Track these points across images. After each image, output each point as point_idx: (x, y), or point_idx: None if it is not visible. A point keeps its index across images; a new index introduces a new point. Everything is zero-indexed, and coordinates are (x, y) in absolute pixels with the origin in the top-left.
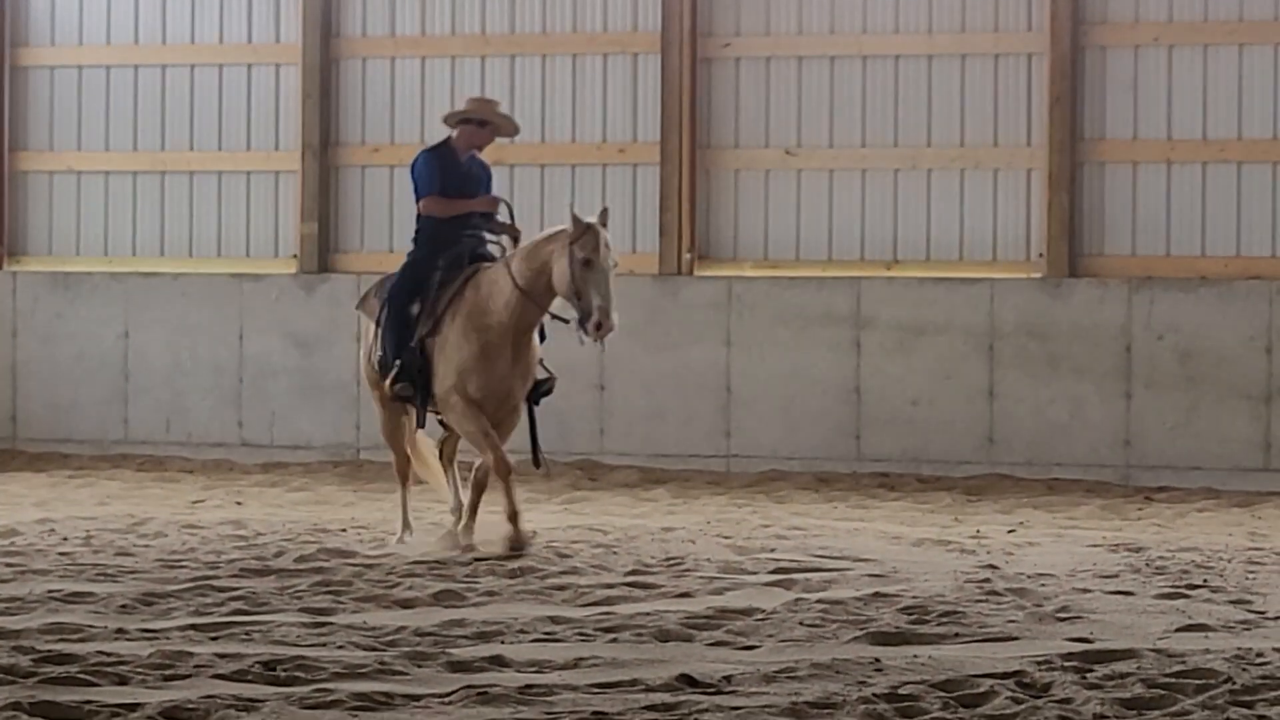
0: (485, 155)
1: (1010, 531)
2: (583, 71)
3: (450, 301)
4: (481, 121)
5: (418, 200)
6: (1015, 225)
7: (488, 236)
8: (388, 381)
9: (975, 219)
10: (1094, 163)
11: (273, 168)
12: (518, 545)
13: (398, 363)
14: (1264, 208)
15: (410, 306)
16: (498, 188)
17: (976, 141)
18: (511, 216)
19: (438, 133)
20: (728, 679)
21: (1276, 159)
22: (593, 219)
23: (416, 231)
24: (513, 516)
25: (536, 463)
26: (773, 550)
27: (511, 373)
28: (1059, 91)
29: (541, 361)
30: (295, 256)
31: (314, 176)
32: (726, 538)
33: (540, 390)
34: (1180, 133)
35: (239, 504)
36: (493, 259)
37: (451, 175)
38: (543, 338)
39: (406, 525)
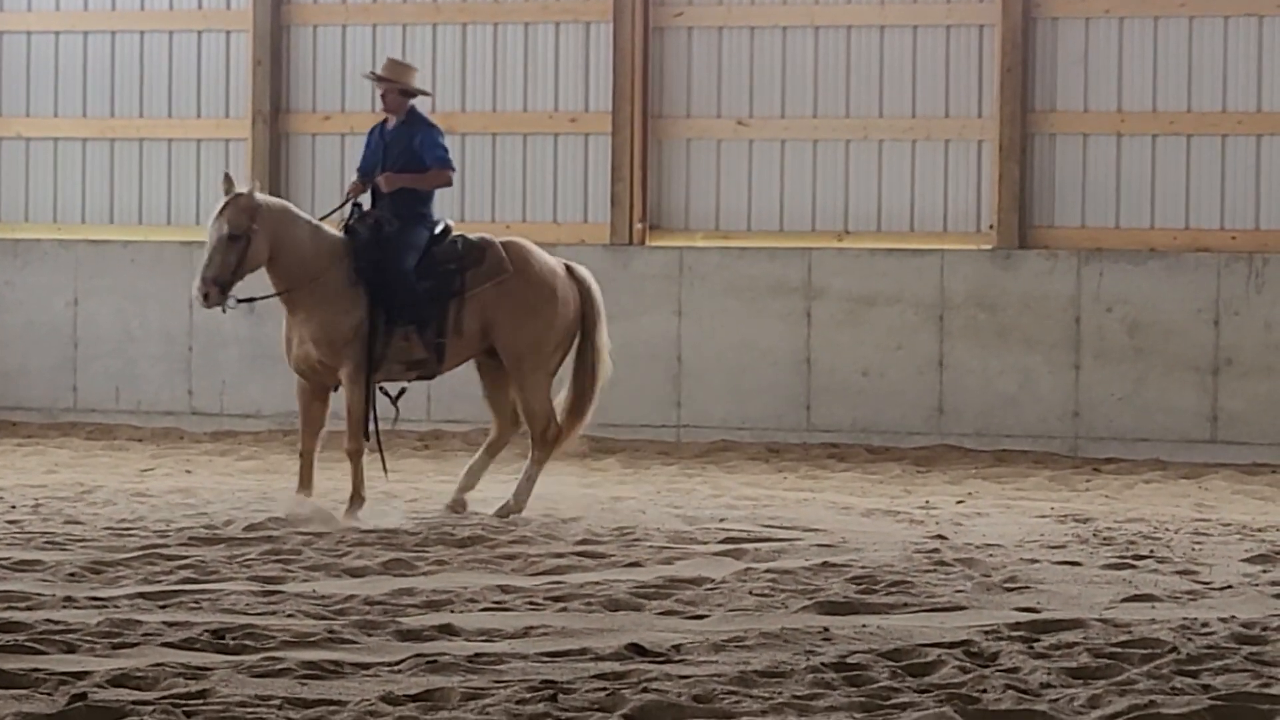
0: (440, 122)
1: (959, 502)
2: (535, 40)
3: None
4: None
5: None
6: (966, 196)
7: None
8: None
9: (926, 190)
10: (1044, 134)
11: (223, 135)
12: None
13: None
14: (1213, 180)
15: None
16: (442, 164)
17: (928, 112)
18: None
19: None
20: (677, 648)
21: (1226, 131)
22: (243, 189)
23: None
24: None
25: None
26: (722, 520)
27: (299, 337)
28: (1010, 63)
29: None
30: None
31: (264, 144)
32: (676, 507)
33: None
34: (1130, 105)
35: (188, 472)
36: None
37: (370, 150)
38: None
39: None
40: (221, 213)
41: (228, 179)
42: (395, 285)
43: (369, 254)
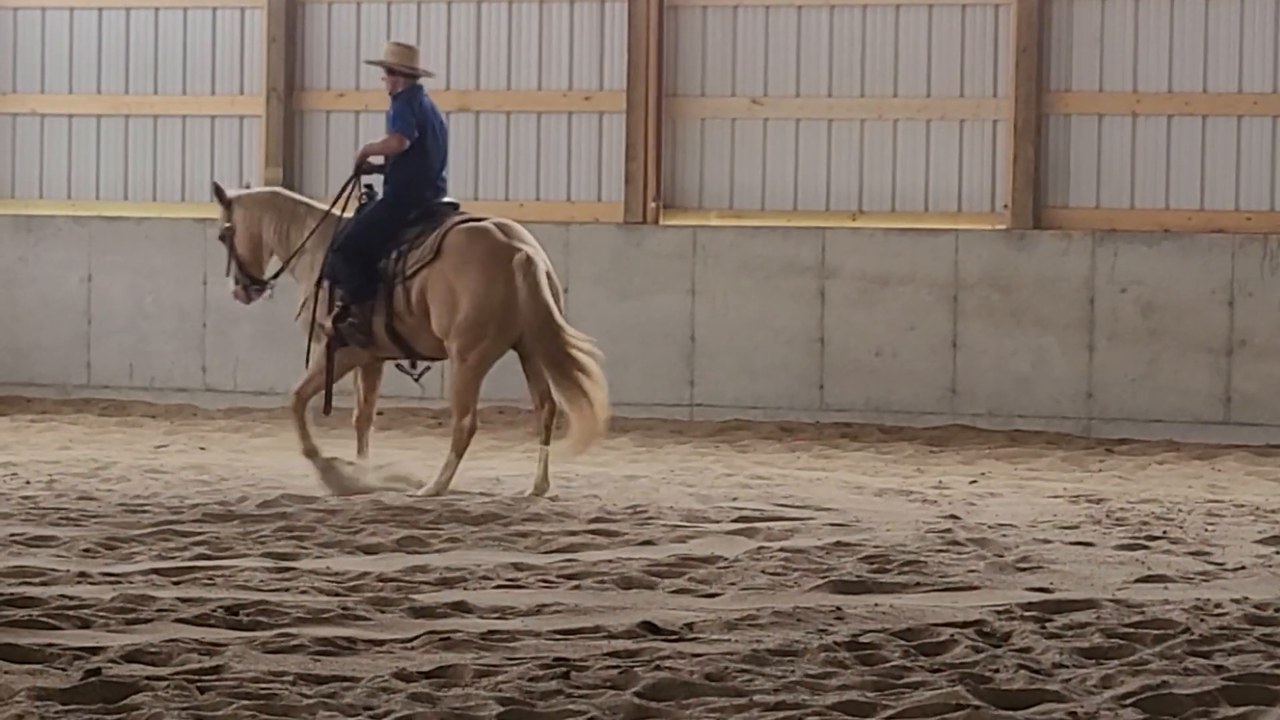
0: (448, 99)
1: (972, 482)
2: (549, 18)
3: None
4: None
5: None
6: (980, 177)
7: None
8: None
9: (941, 170)
10: (1059, 114)
11: (237, 112)
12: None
13: None
14: (1228, 161)
15: None
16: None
17: (943, 92)
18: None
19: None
20: (690, 626)
21: (1241, 113)
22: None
23: None
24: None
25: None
26: (735, 499)
27: None
28: (1026, 43)
29: None
30: None
31: (278, 121)
32: (689, 486)
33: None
34: (1146, 85)
35: (202, 449)
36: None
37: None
38: None
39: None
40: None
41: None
42: (332, 263)
43: None
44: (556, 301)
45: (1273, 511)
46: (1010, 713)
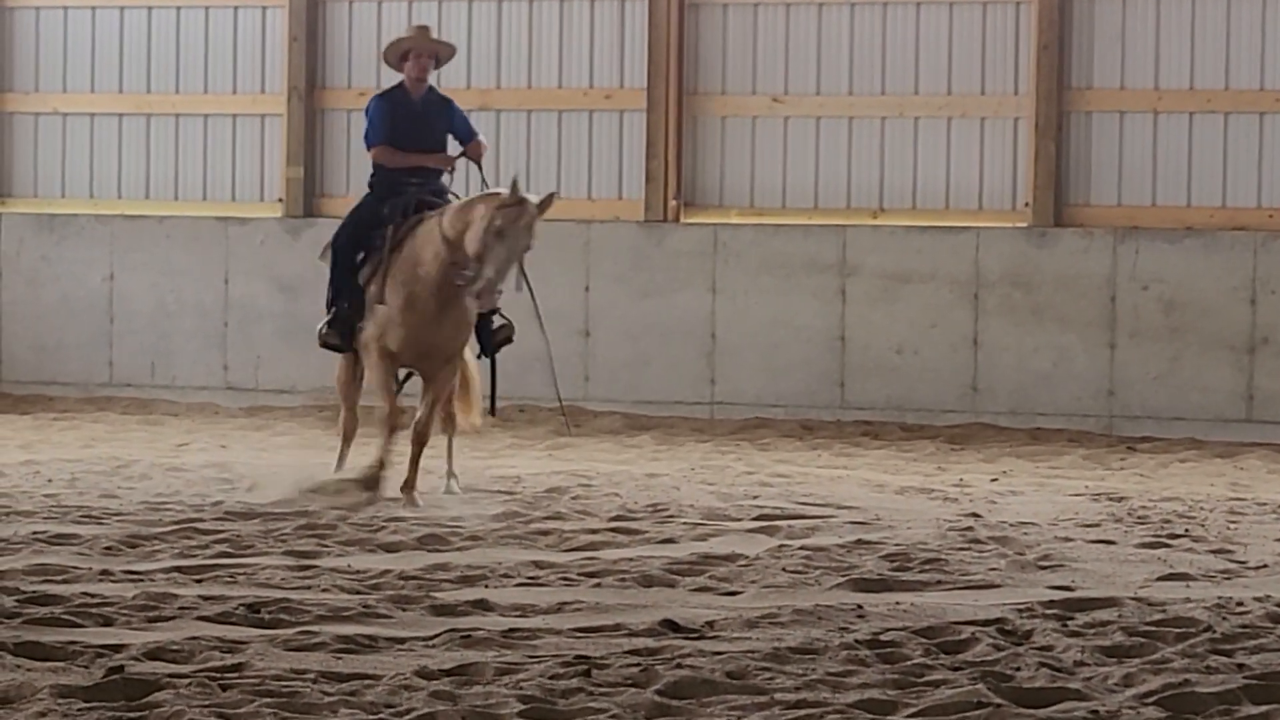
0: (469, 97)
1: (993, 480)
2: (570, 16)
3: (392, 252)
4: (408, 52)
5: (368, 147)
6: (1001, 174)
7: (444, 184)
8: (320, 327)
9: (962, 168)
10: (1081, 112)
11: (259, 111)
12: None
13: (332, 310)
14: (1250, 159)
15: (356, 255)
16: (484, 134)
17: (964, 90)
18: (481, 173)
19: None
20: (710, 624)
21: (1264, 110)
22: (532, 196)
23: (371, 177)
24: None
25: (493, 411)
26: (756, 497)
27: (437, 326)
28: (1047, 40)
29: (498, 310)
30: (281, 200)
31: (300, 120)
32: (710, 484)
33: (497, 339)
34: (1167, 82)
35: (224, 447)
36: (437, 208)
37: (403, 119)
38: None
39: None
40: (530, 226)
41: (516, 184)
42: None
43: None
44: None
45: None
46: (1031, 711)
